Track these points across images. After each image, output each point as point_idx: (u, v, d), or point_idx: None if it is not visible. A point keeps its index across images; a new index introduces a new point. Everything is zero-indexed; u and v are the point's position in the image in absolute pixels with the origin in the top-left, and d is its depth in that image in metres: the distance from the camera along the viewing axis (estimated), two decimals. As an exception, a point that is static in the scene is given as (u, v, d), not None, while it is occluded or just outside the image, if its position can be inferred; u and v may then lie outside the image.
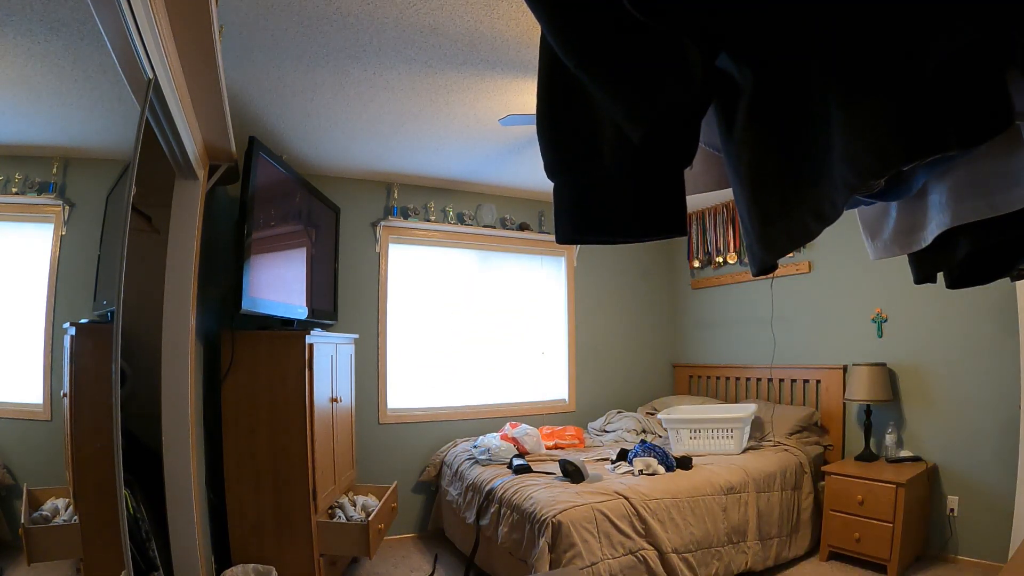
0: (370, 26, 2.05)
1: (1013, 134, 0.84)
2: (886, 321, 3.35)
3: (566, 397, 4.45)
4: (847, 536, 2.94)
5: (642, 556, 2.43)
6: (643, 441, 3.27)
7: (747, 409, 3.38)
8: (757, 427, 3.43)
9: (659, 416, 3.54)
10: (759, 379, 4.03)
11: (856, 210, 1.24)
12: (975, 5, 0.59)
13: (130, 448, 1.43)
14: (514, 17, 2.01)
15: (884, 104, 0.63)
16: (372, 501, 3.00)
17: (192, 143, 1.92)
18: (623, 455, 3.08)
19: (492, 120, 2.90)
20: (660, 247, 4.91)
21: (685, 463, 2.97)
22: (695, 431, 3.33)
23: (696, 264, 4.62)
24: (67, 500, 1.40)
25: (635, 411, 4.31)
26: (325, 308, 3.40)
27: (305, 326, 2.94)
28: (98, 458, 1.36)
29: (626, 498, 2.52)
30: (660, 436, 3.83)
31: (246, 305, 2.42)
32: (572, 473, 2.76)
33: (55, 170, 1.38)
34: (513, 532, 2.54)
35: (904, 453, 3.11)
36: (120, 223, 1.34)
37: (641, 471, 2.85)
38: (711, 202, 4.41)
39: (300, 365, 2.55)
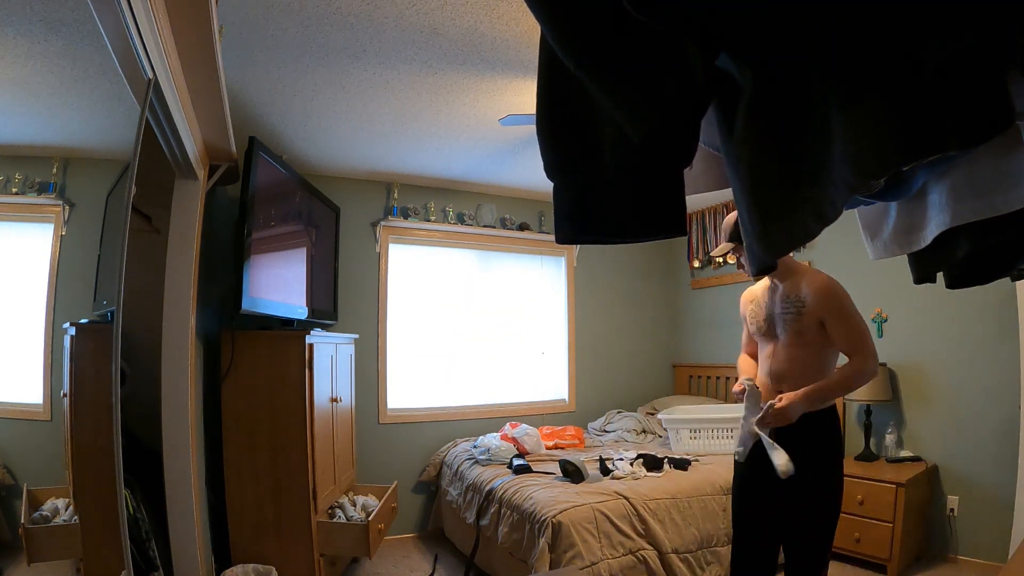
0: (370, 26, 2.05)
1: (1013, 134, 0.84)
2: (886, 321, 3.35)
3: (566, 397, 4.45)
4: (847, 536, 2.94)
5: (642, 556, 2.43)
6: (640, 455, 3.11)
7: (747, 409, 3.37)
8: (757, 427, 3.42)
9: (659, 416, 3.54)
10: (759, 379, 4.03)
11: (856, 210, 1.24)
12: (975, 5, 0.59)
13: (130, 448, 1.43)
14: (514, 18, 2.01)
15: (884, 104, 0.63)
16: (372, 501, 3.00)
17: (192, 143, 1.92)
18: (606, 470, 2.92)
19: (492, 120, 2.90)
20: (660, 247, 4.91)
21: (682, 464, 2.96)
22: (695, 431, 3.33)
23: (696, 264, 4.62)
24: (67, 500, 1.40)
25: (635, 411, 4.31)
26: (325, 308, 3.40)
27: (305, 326, 2.94)
28: (98, 458, 1.36)
29: (626, 498, 2.52)
30: (660, 436, 3.83)
31: (246, 305, 2.42)
32: (572, 473, 2.76)
33: (55, 170, 1.38)
34: (513, 532, 2.54)
35: (904, 453, 3.11)
36: (120, 223, 1.34)
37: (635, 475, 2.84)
38: (711, 202, 4.41)
39: (300, 365, 2.55)
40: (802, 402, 1.78)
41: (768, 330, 1.97)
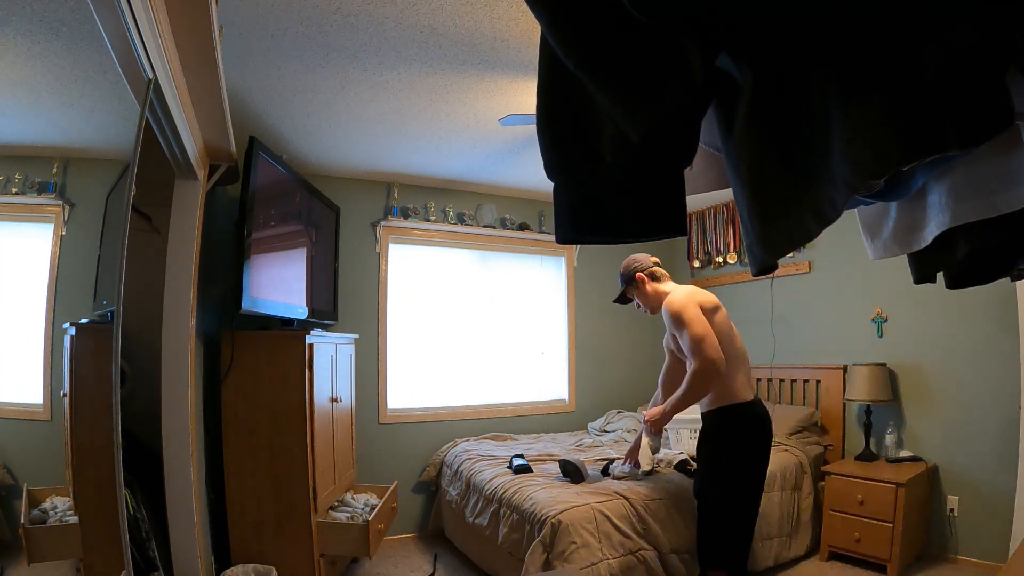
0: (370, 26, 2.05)
1: (1013, 134, 0.84)
2: (886, 321, 3.35)
3: (566, 397, 4.45)
4: (847, 536, 2.94)
5: (642, 556, 2.42)
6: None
7: (747, 409, 3.37)
8: (757, 427, 3.42)
9: (659, 416, 3.53)
10: (759, 379, 4.03)
11: (856, 210, 1.24)
12: (975, 6, 0.59)
13: (130, 448, 1.43)
14: (514, 17, 2.01)
15: (884, 103, 0.63)
16: (372, 501, 3.00)
17: (192, 143, 1.92)
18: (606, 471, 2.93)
19: (492, 120, 2.90)
20: (660, 247, 4.90)
21: (684, 466, 2.94)
22: (695, 431, 3.31)
23: (696, 264, 4.62)
24: (67, 500, 1.40)
25: (635, 411, 4.31)
26: (325, 308, 3.40)
27: (305, 326, 2.94)
28: (98, 458, 1.36)
29: (626, 498, 2.52)
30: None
31: (246, 305, 2.42)
32: (572, 473, 2.76)
33: (55, 170, 1.38)
34: (513, 532, 2.53)
35: (904, 453, 3.11)
36: (120, 223, 1.34)
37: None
38: (711, 202, 4.41)
39: (300, 365, 2.55)
40: (662, 415, 2.25)
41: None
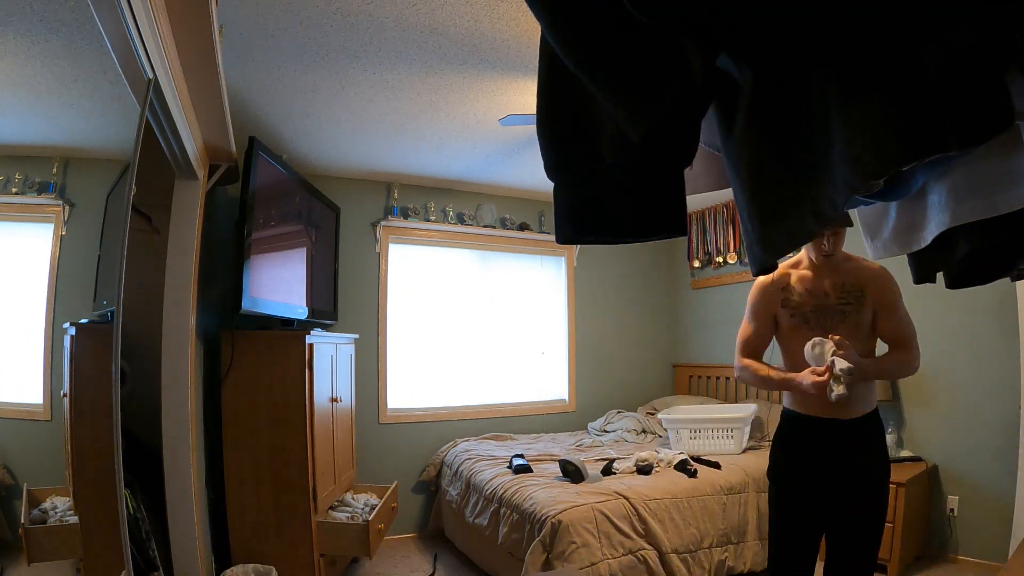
0: (370, 26, 2.05)
1: (1013, 134, 0.84)
2: (886, 321, 3.35)
3: (566, 397, 4.45)
4: (847, 536, 2.94)
5: (642, 556, 2.43)
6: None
7: (747, 409, 3.38)
8: (757, 427, 3.43)
9: (659, 416, 3.54)
10: (759, 379, 4.02)
11: (856, 210, 1.25)
12: (975, 5, 0.59)
13: (130, 448, 1.43)
14: (514, 17, 2.01)
15: (884, 104, 0.63)
16: (372, 501, 3.00)
17: (192, 143, 1.92)
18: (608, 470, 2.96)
19: (492, 120, 2.90)
20: (660, 247, 4.91)
21: (684, 466, 2.94)
22: (695, 431, 3.32)
23: (696, 264, 4.62)
24: (67, 500, 1.40)
25: (635, 411, 4.31)
26: (325, 308, 3.40)
27: (305, 326, 2.94)
28: (98, 458, 1.36)
29: (626, 498, 2.52)
30: (660, 436, 3.83)
31: (246, 305, 2.42)
32: (572, 473, 2.76)
33: (55, 170, 1.38)
34: (513, 532, 2.54)
35: (904, 453, 3.11)
36: (120, 223, 1.34)
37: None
38: (711, 202, 4.41)
39: (300, 365, 2.55)
40: (858, 364, 1.62)
41: (816, 321, 1.76)
